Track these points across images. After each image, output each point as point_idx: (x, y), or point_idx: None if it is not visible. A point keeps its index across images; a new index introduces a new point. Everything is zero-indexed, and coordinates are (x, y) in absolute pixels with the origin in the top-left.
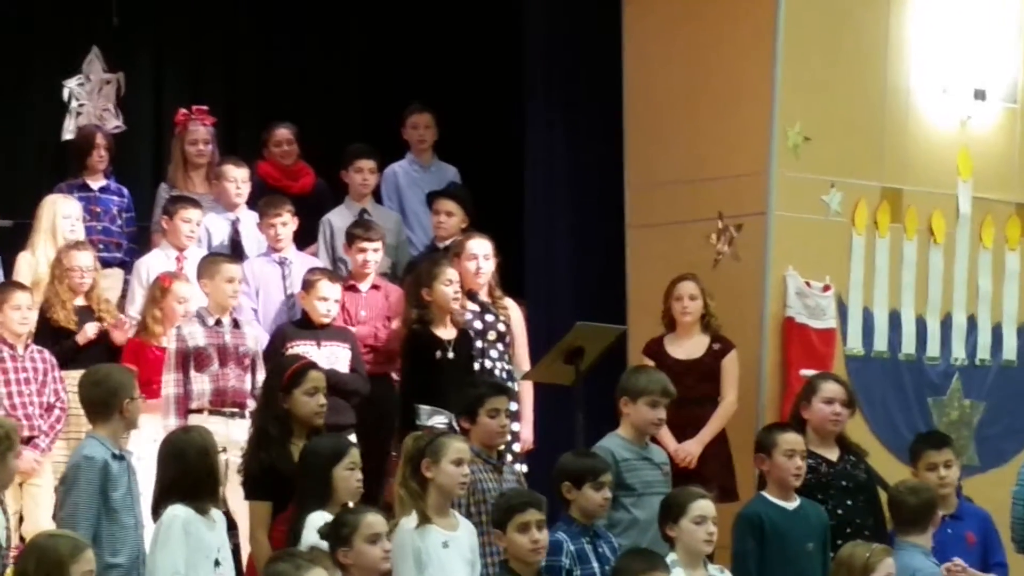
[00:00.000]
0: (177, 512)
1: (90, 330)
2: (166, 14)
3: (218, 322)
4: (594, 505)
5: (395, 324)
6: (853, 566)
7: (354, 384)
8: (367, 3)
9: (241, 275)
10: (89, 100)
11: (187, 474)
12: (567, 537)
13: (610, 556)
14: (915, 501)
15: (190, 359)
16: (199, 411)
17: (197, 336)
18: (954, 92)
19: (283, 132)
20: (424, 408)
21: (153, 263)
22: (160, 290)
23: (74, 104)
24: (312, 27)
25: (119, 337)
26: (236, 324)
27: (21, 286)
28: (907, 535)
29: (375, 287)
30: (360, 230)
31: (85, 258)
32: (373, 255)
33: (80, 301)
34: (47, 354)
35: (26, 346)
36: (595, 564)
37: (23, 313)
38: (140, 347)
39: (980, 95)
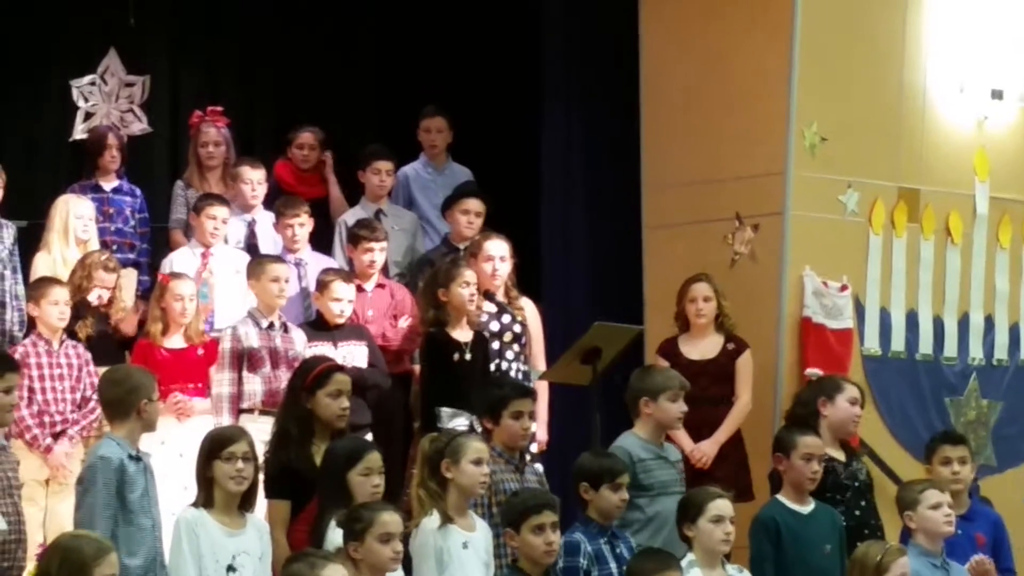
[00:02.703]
0: (185, 515)
1: (101, 294)
2: (183, 15)
3: (270, 325)
4: (611, 506)
5: (403, 322)
6: (866, 565)
7: (373, 378)
8: (383, 4)
9: (287, 275)
10: (108, 102)
11: (196, 474)
12: (585, 538)
13: (627, 556)
14: None
15: (243, 359)
16: (250, 411)
17: (251, 337)
18: (971, 92)
19: (307, 136)
20: (445, 410)
21: (179, 260)
22: (159, 289)
23: (83, 104)
24: (328, 28)
25: (123, 328)
26: (285, 328)
27: (58, 281)
28: None
29: (380, 286)
30: (366, 231)
31: (110, 279)
32: (380, 255)
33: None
34: (81, 349)
35: (61, 341)
36: (613, 565)
37: (61, 308)
38: (148, 349)
39: (997, 95)
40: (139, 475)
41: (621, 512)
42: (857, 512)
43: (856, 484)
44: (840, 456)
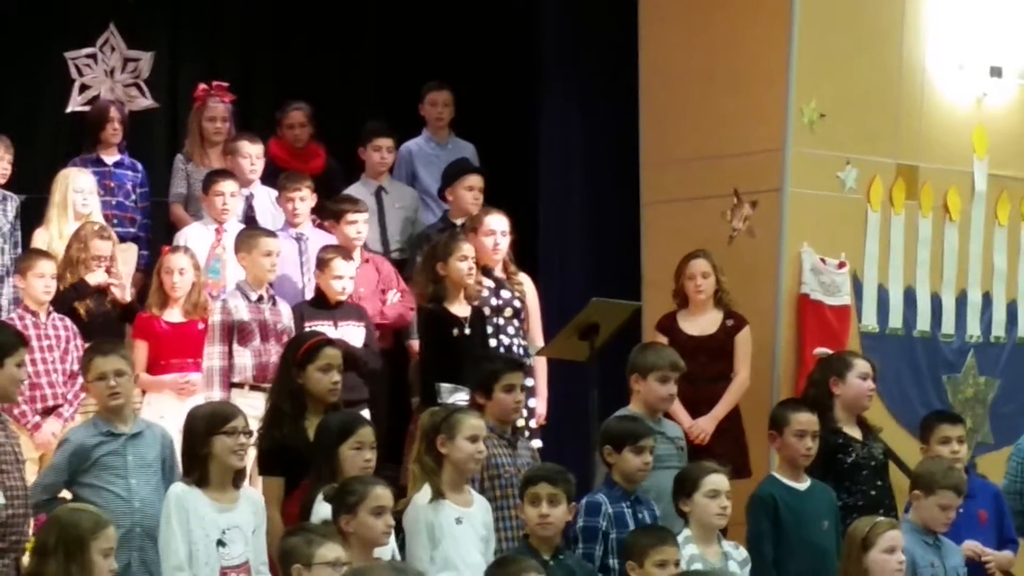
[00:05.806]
0: (175, 490)
1: (100, 276)
2: None
3: (260, 298)
4: (633, 469)
5: (392, 297)
6: (854, 539)
7: (366, 359)
8: None
9: (279, 249)
10: (108, 76)
11: (185, 450)
12: (606, 499)
13: (649, 522)
14: None
15: (234, 332)
16: (240, 385)
17: (241, 310)
18: (970, 69)
19: (296, 115)
20: (445, 386)
21: (192, 235)
22: (159, 262)
23: (79, 77)
24: (328, 4)
25: (118, 293)
26: (273, 301)
27: (45, 254)
28: None
29: (365, 261)
30: (348, 204)
31: (106, 247)
32: (364, 227)
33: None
34: (69, 322)
35: (48, 313)
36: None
37: (46, 281)
38: (148, 322)
39: (996, 72)
40: (113, 451)
41: (644, 476)
42: (873, 492)
43: (872, 464)
44: (857, 435)
